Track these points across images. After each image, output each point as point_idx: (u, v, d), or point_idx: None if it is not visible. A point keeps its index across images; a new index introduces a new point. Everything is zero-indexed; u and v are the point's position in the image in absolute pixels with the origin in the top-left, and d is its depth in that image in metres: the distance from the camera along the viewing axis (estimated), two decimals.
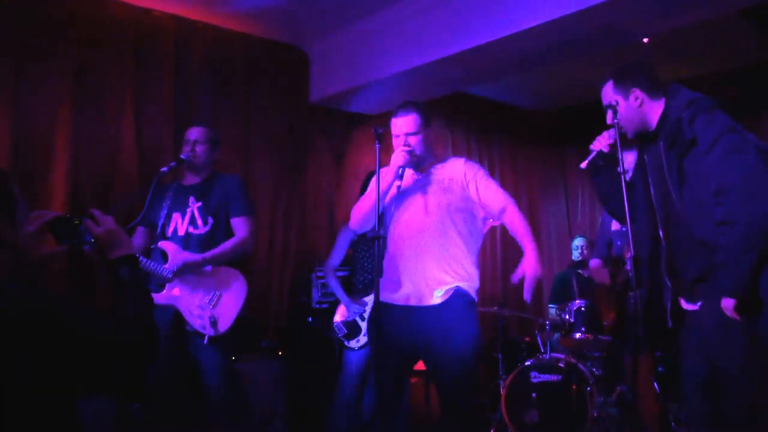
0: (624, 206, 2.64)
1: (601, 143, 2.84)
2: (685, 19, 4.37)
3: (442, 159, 3.38)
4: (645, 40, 5.14)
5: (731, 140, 2.50)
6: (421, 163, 3.28)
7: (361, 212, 3.25)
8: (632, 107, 2.77)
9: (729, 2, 4.19)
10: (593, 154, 2.86)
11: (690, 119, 2.59)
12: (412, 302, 3.15)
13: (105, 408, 3.87)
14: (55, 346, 1.57)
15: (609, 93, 2.82)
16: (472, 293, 3.20)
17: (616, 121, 2.74)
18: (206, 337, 3.61)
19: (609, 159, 2.86)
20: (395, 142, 3.27)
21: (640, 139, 2.86)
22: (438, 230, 3.16)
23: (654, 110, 2.76)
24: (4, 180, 1.78)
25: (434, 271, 3.13)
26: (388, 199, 3.25)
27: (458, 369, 3.06)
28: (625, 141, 2.80)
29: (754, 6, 4.31)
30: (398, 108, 3.29)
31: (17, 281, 1.71)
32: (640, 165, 2.85)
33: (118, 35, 4.79)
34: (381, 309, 3.08)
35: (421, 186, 3.26)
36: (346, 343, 4.47)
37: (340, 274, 4.67)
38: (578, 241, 6.09)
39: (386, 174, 3.20)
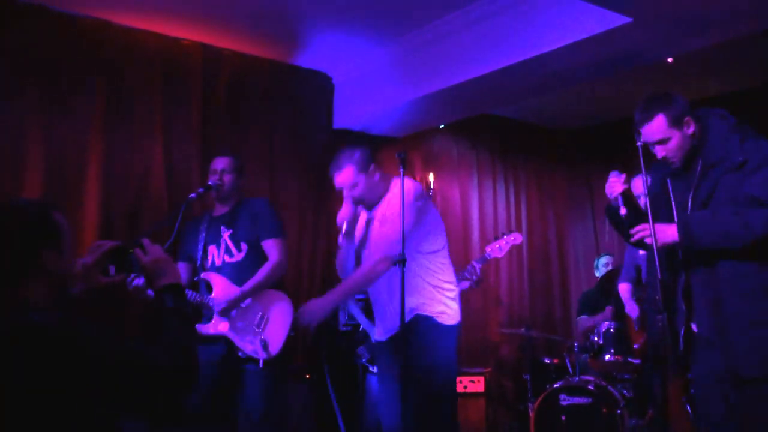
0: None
1: (615, 188, 2.85)
2: (709, 39, 4.35)
3: (389, 189, 3.37)
4: (670, 60, 5.12)
5: None
6: (369, 200, 3.36)
7: (338, 265, 3.51)
8: (687, 136, 2.76)
9: (753, 22, 4.16)
10: (620, 200, 2.86)
11: (741, 140, 2.65)
12: (379, 337, 3.35)
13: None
14: (87, 373, 1.59)
15: (663, 129, 2.76)
16: (435, 316, 3.19)
17: (639, 143, 2.74)
18: (261, 361, 3.63)
19: (627, 197, 2.88)
20: (344, 195, 3.39)
21: (683, 166, 2.83)
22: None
23: (695, 135, 2.77)
24: (48, 210, 1.83)
25: (390, 305, 3.22)
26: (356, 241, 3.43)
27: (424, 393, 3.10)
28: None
29: None
30: (333, 164, 3.37)
31: (60, 310, 1.75)
32: (662, 188, 2.84)
33: (146, 63, 4.89)
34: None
35: (369, 224, 3.40)
36: (370, 367, 4.47)
37: (359, 296, 4.68)
38: (604, 260, 6.05)
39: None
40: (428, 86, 5.23)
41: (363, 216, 3.44)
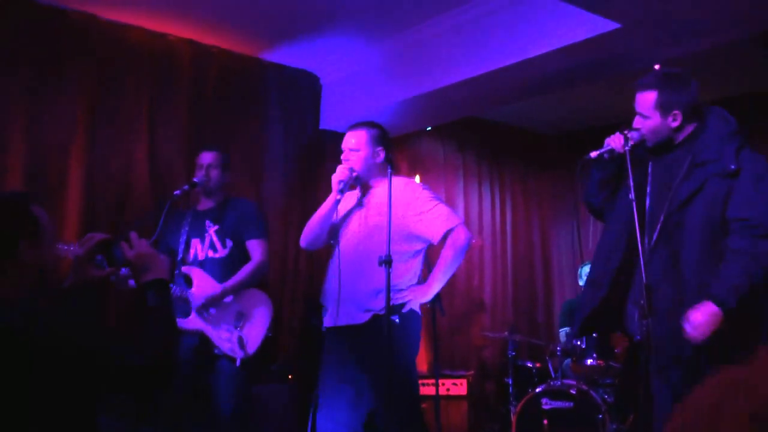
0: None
1: (616, 142, 2.77)
2: (697, 45, 4.38)
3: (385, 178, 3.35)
4: (656, 66, 5.14)
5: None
6: (363, 181, 3.34)
7: (308, 229, 3.35)
8: (667, 126, 2.72)
9: (740, 28, 4.19)
10: (606, 148, 2.80)
11: (737, 149, 2.60)
12: (342, 321, 3.21)
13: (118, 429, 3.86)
14: (49, 371, 1.57)
15: (648, 105, 2.73)
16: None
17: (627, 149, 2.72)
18: (238, 360, 3.61)
19: (615, 160, 2.81)
20: (342, 156, 3.35)
21: (653, 150, 2.81)
22: (368, 251, 3.18)
23: (686, 129, 2.73)
24: (25, 202, 1.81)
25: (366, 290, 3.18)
26: (336, 216, 3.32)
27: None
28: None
29: (766, 31, 4.32)
30: (352, 124, 3.41)
31: (32, 304, 1.72)
32: (639, 176, 2.80)
33: (134, 58, 4.85)
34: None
35: (360, 207, 3.33)
36: None
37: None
38: (587, 269, 6.05)
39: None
40: (416, 88, 5.22)
41: (349, 197, 3.40)
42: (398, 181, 3.26)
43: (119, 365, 1.66)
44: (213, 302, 3.69)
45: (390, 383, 2.90)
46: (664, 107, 2.70)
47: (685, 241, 2.63)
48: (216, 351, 3.67)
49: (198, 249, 3.84)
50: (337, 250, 3.29)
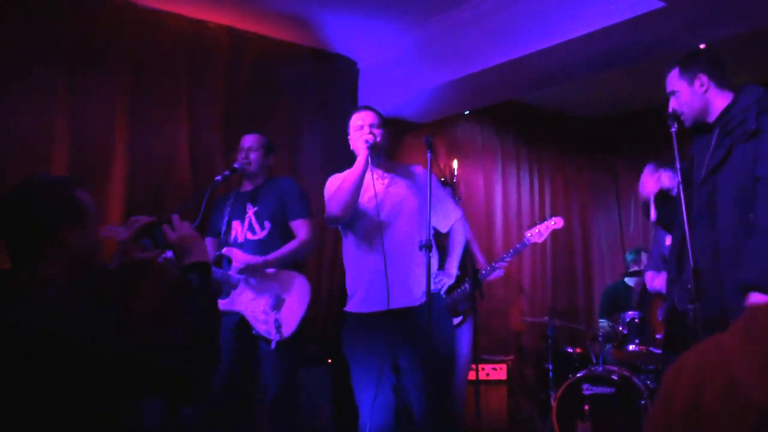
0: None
1: (648, 187, 2.88)
2: (742, 27, 4.26)
3: (398, 164, 3.50)
4: (702, 46, 5.02)
5: None
6: (383, 158, 3.36)
7: (341, 195, 3.19)
8: (697, 93, 2.71)
9: None
10: (651, 201, 2.87)
11: (758, 112, 2.55)
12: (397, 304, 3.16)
13: (157, 409, 3.91)
14: (65, 369, 1.56)
15: (674, 79, 2.77)
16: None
17: (673, 129, 2.69)
18: (273, 342, 3.60)
19: (664, 196, 2.87)
20: (358, 133, 3.32)
21: (696, 133, 2.80)
22: (408, 234, 3.21)
23: (719, 100, 2.70)
24: (71, 187, 1.82)
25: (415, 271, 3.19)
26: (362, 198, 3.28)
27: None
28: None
29: None
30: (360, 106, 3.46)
31: (76, 287, 1.74)
32: (690, 165, 2.79)
33: (171, 45, 4.88)
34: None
35: (385, 189, 3.31)
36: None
37: None
38: (631, 255, 5.97)
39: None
40: (453, 72, 5.18)
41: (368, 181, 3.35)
42: (413, 166, 3.44)
43: (148, 363, 1.62)
44: (253, 270, 3.68)
45: (443, 364, 3.10)
46: (688, 75, 2.72)
47: (718, 210, 2.58)
48: (253, 332, 3.67)
49: (238, 231, 3.85)
50: (370, 232, 3.25)
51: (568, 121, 7.56)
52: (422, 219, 3.18)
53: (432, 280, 3.07)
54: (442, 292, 3.34)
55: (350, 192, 3.18)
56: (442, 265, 3.42)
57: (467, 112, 6.49)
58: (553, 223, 4.49)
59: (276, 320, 3.62)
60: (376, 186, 3.28)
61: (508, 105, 6.69)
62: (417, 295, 3.15)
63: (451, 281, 3.41)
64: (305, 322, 3.72)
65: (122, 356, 1.58)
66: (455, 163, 6.37)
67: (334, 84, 5.73)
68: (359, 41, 5.56)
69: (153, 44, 4.79)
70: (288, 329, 3.65)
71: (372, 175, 3.25)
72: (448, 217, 3.44)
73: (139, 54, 4.72)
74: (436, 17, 5.17)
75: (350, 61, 5.86)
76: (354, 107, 5.80)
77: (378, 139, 3.27)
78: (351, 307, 3.30)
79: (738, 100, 2.67)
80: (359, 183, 3.18)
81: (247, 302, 3.70)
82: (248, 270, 3.67)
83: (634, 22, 4.09)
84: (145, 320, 1.89)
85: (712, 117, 2.72)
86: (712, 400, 0.92)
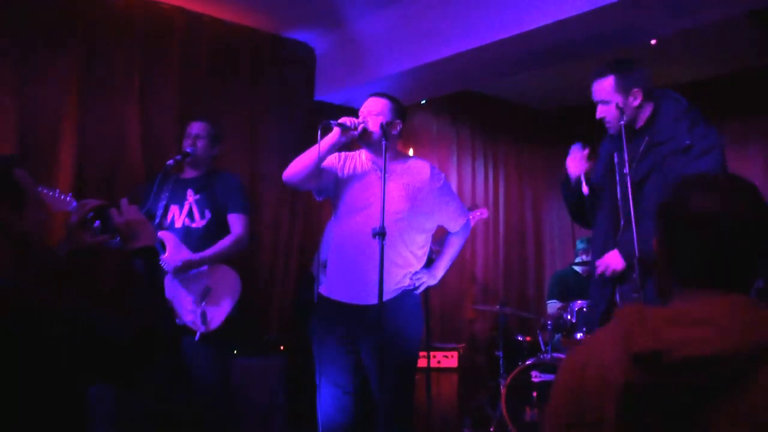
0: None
1: (579, 166, 2.99)
2: (696, 20, 4.35)
3: (406, 158, 3.42)
4: (653, 42, 5.12)
5: (721, 155, 2.67)
6: (374, 147, 3.24)
7: (298, 163, 3.21)
8: (630, 107, 2.82)
9: (736, 4, 4.17)
10: (583, 178, 2.98)
11: (690, 126, 2.69)
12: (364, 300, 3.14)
13: (104, 402, 3.86)
14: (45, 341, 1.54)
15: (608, 90, 2.86)
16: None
17: (622, 123, 2.76)
18: (198, 334, 3.60)
19: (574, 190, 3.02)
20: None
21: (617, 138, 2.88)
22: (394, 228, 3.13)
23: (645, 111, 2.84)
24: (8, 166, 1.76)
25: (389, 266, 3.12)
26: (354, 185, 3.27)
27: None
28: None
29: (762, 8, 4.30)
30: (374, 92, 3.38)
31: (21, 270, 1.71)
32: (609, 166, 2.89)
33: (125, 26, 4.79)
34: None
35: (379, 179, 3.15)
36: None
37: None
38: (582, 244, 6.07)
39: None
40: (410, 61, 5.18)
41: (359, 158, 3.35)
42: (422, 163, 3.37)
43: (102, 339, 1.61)
44: (190, 266, 3.68)
45: (400, 357, 3.07)
46: (624, 88, 2.82)
47: (643, 215, 2.67)
48: (178, 321, 3.66)
49: (176, 216, 3.83)
50: (353, 220, 3.23)
51: (523, 112, 7.64)
52: (413, 218, 3.17)
53: (413, 276, 3.18)
54: (418, 291, 3.27)
55: (305, 161, 3.18)
56: (429, 264, 3.39)
57: (424, 102, 6.51)
58: (479, 213, 4.57)
59: (203, 312, 3.61)
60: (370, 176, 3.25)
61: (464, 95, 6.73)
62: (390, 290, 3.10)
63: (434, 283, 3.33)
64: (234, 318, 3.72)
65: (70, 341, 1.56)
66: (411, 152, 6.39)
67: (291, 70, 5.68)
68: (316, 27, 5.53)
69: (105, 25, 4.70)
70: (215, 322, 3.64)
71: (371, 164, 3.28)
72: (451, 221, 3.39)
73: (91, 34, 4.62)
74: (394, 5, 5.16)
75: (307, 47, 5.82)
76: (311, 93, 5.81)
77: (369, 126, 3.19)
78: (325, 290, 3.29)
79: (662, 109, 2.80)
80: (316, 158, 3.13)
81: (175, 290, 3.68)
82: (184, 268, 3.66)
83: (591, 14, 4.14)
84: (96, 305, 1.86)
85: (638, 124, 2.86)
86: (591, 380, 1.24)
